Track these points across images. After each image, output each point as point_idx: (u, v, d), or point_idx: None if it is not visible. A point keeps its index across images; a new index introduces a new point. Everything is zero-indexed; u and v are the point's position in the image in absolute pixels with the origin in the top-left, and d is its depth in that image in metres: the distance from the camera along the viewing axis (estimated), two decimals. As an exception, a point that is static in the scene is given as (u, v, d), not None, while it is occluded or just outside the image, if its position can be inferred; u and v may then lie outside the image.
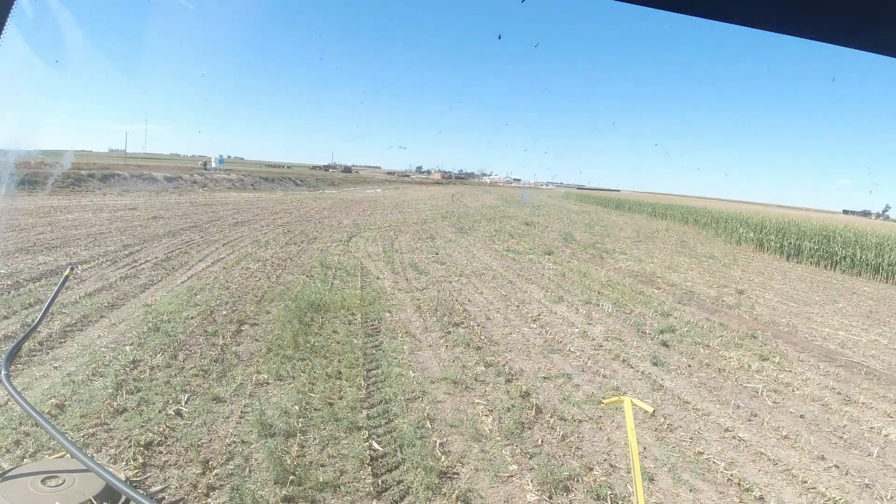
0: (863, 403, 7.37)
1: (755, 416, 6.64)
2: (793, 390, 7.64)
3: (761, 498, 4.90)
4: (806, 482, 5.22)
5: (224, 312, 8.64)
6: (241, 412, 5.46)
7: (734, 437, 6.01)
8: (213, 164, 58.39)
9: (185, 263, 12.26)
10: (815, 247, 25.45)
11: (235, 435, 5.03)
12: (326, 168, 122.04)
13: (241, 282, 10.82)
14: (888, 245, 23.43)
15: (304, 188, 53.77)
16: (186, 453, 4.64)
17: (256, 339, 7.58)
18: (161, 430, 4.94)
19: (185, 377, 6.15)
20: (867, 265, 22.72)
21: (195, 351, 6.96)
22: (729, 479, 5.15)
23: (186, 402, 5.57)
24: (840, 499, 4.95)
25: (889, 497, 5.05)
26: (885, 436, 6.39)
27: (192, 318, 8.15)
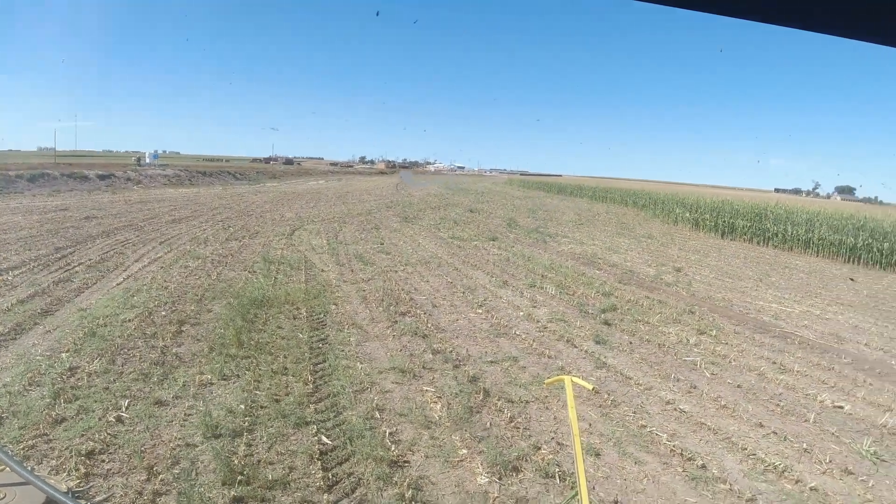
0: (797, 371, 7.78)
1: (695, 388, 6.93)
2: (730, 362, 7.99)
3: (704, 466, 5.16)
4: (746, 449, 5.52)
5: (163, 313, 8.48)
6: (185, 414, 5.48)
7: (676, 410, 6.28)
8: (148, 160, 56.44)
9: (121, 264, 11.94)
10: (748, 224, 26.72)
11: (180, 438, 5.05)
12: (267, 160, 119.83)
13: (181, 281, 10.62)
14: (817, 221, 24.78)
15: (243, 182, 52.77)
16: (130, 460, 4.64)
17: (198, 339, 7.52)
18: (103, 437, 4.93)
19: (124, 382, 6.09)
20: (798, 240, 24.04)
21: (134, 354, 6.88)
22: (672, 450, 5.40)
23: (128, 408, 5.55)
24: (780, 464, 5.25)
25: (827, 460, 5.40)
26: (820, 402, 6.78)
27: (129, 320, 8.00)
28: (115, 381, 6.08)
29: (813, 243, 23.40)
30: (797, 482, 4.98)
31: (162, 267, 11.88)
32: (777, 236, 25.16)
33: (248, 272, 11.87)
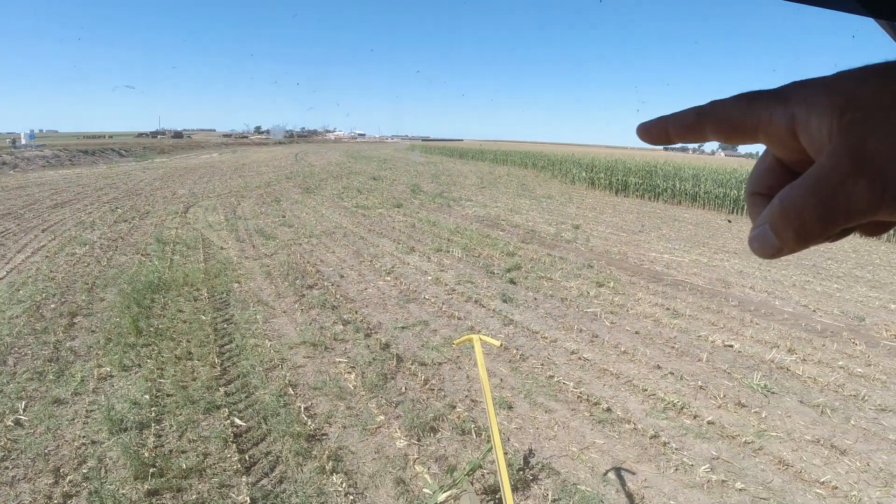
0: (690, 316, 8.30)
1: (596, 336, 7.28)
2: (627, 310, 8.43)
3: (609, 409, 5.47)
4: (646, 390, 5.88)
5: (53, 306, 7.99)
6: (87, 411, 5.31)
7: (580, 359, 6.59)
8: (24, 141, 51.87)
9: (2, 257, 11.09)
10: (640, 181, 28.05)
11: (84, 436, 4.90)
12: (154, 134, 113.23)
13: (68, 269, 9.99)
14: (703, 176, 26.20)
15: (130, 159, 49.69)
16: (35, 464, 4.50)
17: (93, 331, 7.17)
18: (3, 444, 4.74)
19: (18, 383, 5.80)
20: (686, 195, 25.72)
21: (26, 352, 6.51)
22: (579, 397, 5.69)
23: (25, 410, 5.32)
24: (678, 401, 5.63)
25: (722, 396, 5.84)
26: (711, 342, 7.29)
27: (16, 316, 7.50)
28: (8, 382, 5.77)
29: (699, 197, 25.09)
30: (695, 417, 5.38)
31: (47, 256, 11.13)
32: (666, 192, 26.75)
33: (141, 255, 11.35)
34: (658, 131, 0.38)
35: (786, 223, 0.30)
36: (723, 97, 0.35)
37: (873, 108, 0.28)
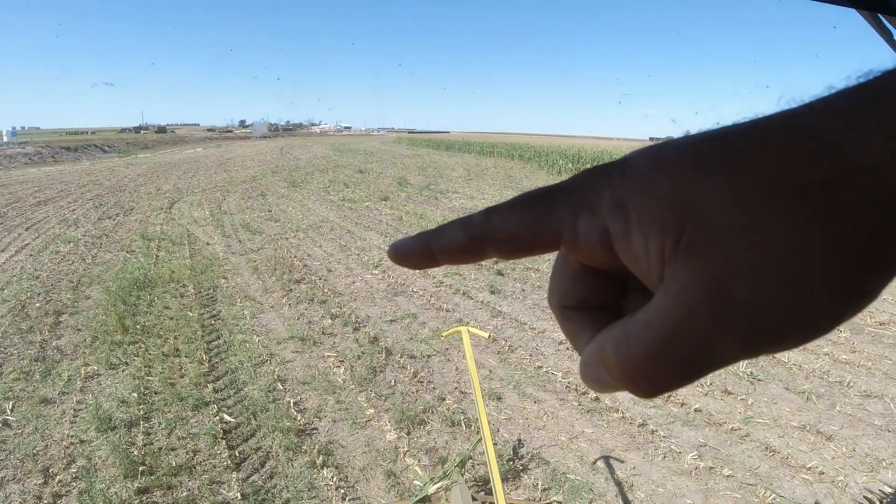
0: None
1: (584, 326, 7.24)
2: (615, 298, 8.40)
3: (597, 399, 5.57)
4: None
5: (38, 305, 7.93)
6: (75, 410, 5.29)
7: (567, 349, 6.64)
8: (6, 139, 51.25)
9: (-15, 256, 10.88)
10: (625, 171, 27.88)
11: (73, 436, 4.89)
12: (138, 130, 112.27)
13: (53, 268, 9.91)
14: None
15: (113, 154, 49.34)
16: (24, 465, 4.49)
17: (79, 329, 7.13)
18: None
19: (5, 383, 5.79)
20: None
21: (11, 352, 6.49)
22: (567, 387, 5.74)
23: (12, 410, 5.30)
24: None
25: (708, 383, 5.08)
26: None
27: (2, 316, 7.55)
28: (-7, 383, 5.74)
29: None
30: (682, 405, 5.43)
31: (31, 255, 11.05)
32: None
33: (126, 252, 11.29)
34: (419, 255, 0.29)
35: (631, 379, 0.24)
36: (504, 200, 0.27)
37: (727, 227, 0.21)
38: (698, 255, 0.21)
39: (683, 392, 5.66)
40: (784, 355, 6.55)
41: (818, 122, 0.20)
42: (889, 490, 4.15)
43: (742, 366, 6.21)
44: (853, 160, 0.19)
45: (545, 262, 10.62)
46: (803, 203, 0.20)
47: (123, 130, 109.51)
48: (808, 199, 0.20)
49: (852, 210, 0.19)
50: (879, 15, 0.79)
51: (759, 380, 5.99)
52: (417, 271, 9.80)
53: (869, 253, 0.19)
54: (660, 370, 0.23)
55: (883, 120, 0.19)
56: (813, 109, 0.21)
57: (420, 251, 0.29)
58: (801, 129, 0.21)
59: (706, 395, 5.65)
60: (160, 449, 4.61)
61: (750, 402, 5.52)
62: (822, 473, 4.43)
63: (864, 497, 4.05)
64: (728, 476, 4.39)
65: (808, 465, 4.51)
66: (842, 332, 7.38)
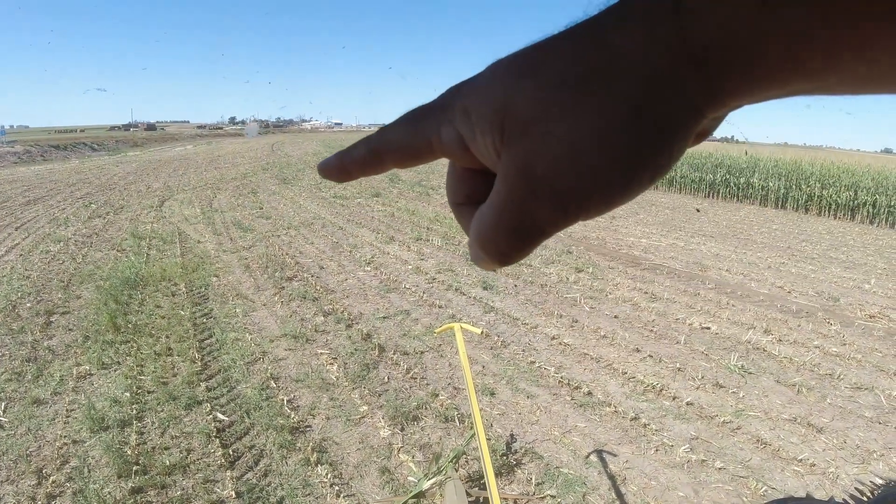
0: (667, 299, 8.39)
1: (576, 322, 7.34)
2: (606, 295, 8.50)
3: (590, 393, 5.52)
4: (626, 373, 5.96)
5: (28, 305, 7.88)
6: (68, 410, 5.27)
7: (560, 344, 6.64)
8: (-5, 137, 50.62)
9: (-26, 257, 10.81)
10: (616, 165, 27.72)
11: (66, 436, 4.88)
12: (127, 127, 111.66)
13: (43, 267, 9.86)
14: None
15: (102, 153, 48.94)
16: (17, 466, 4.47)
17: (70, 329, 7.09)
18: None
19: None
20: (662, 179, 25.37)
21: (2, 353, 6.49)
22: (560, 381, 5.74)
23: (5, 411, 5.27)
24: (657, 383, 5.70)
25: (700, 377, 5.93)
26: (689, 325, 7.37)
27: None
28: (-15, 384, 5.73)
29: (676, 181, 25.03)
30: (674, 398, 5.46)
31: (21, 254, 10.97)
32: (643, 176, 26.54)
33: (117, 251, 11.22)
34: (336, 170, 0.37)
35: (486, 249, 0.30)
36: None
37: (529, 119, 0.26)
38: (513, 143, 0.26)
39: (675, 386, 5.70)
40: (775, 348, 6.60)
41: (597, 22, 0.25)
42: (880, 481, 4.19)
43: (733, 358, 6.27)
44: (617, 49, 0.24)
45: (536, 258, 10.64)
46: (581, 89, 0.24)
47: (113, 128, 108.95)
48: (586, 85, 0.24)
49: (619, 89, 0.24)
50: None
51: (750, 373, 6.04)
52: (409, 267, 9.82)
53: (639, 124, 0.24)
54: (500, 237, 0.28)
55: (647, 15, 0.23)
56: (600, 14, 0.25)
57: (337, 166, 0.37)
58: (582, 30, 0.25)
59: (698, 388, 5.69)
60: (154, 448, 4.60)
61: (741, 395, 5.56)
62: (814, 465, 4.48)
63: (856, 488, 4.09)
64: (720, 468, 4.43)
65: (800, 458, 4.55)
66: (832, 325, 7.44)
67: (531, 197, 0.26)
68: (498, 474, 4.33)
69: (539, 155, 0.25)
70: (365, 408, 5.26)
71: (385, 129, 0.33)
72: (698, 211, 18.22)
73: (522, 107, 0.26)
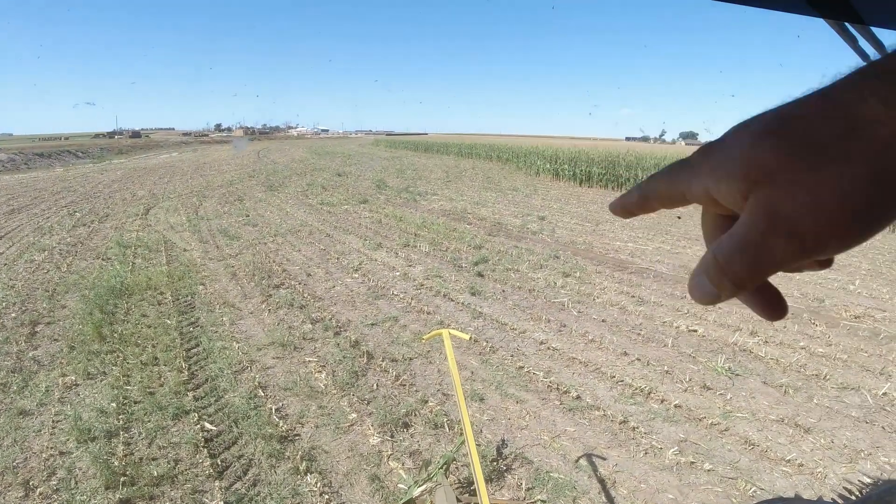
0: (654, 302, 8.44)
1: (564, 326, 7.36)
2: (594, 299, 8.54)
3: (578, 397, 5.55)
4: (614, 377, 5.98)
5: (13, 315, 7.80)
6: (54, 421, 5.23)
7: (549, 348, 6.67)
8: (-23, 145, 49.99)
9: (-44, 267, 10.67)
10: (603, 172, 28.08)
11: (52, 447, 4.83)
12: (111, 135, 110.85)
13: (27, 277, 9.77)
14: (664, 165, 26.49)
15: (87, 160, 48.67)
16: (3, 478, 4.43)
17: (55, 339, 7.02)
18: None
19: None
20: (648, 184, 25.56)
21: None
22: (549, 386, 5.76)
23: None
24: (645, 387, 5.73)
25: (688, 379, 5.96)
26: (676, 328, 7.41)
27: None
28: (-31, 396, 5.65)
29: (661, 186, 25.04)
30: (662, 401, 5.49)
31: (5, 264, 10.88)
32: (629, 181, 26.70)
33: (102, 260, 11.15)
34: (620, 209, 0.45)
35: (720, 275, 0.33)
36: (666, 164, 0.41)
37: (775, 169, 0.30)
38: (761, 188, 0.31)
39: (663, 389, 5.73)
40: (761, 349, 6.66)
41: (836, 91, 0.30)
42: (868, 480, 4.24)
43: (720, 361, 6.30)
44: (860, 117, 0.28)
45: (524, 263, 10.67)
46: (824, 152, 0.29)
47: (97, 136, 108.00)
48: (828, 148, 0.29)
49: (857, 152, 0.28)
50: (846, 23, 0.82)
51: (738, 375, 6.08)
52: (397, 274, 9.82)
53: (878, 187, 0.27)
54: (740, 264, 0.32)
55: (879, 88, 0.27)
56: (835, 84, 0.30)
57: (620, 206, 0.45)
58: (824, 98, 0.30)
59: (685, 390, 5.72)
60: (141, 459, 4.57)
61: (729, 397, 5.59)
62: (802, 465, 4.51)
63: (844, 488, 4.13)
64: (709, 470, 4.46)
65: (788, 458, 4.58)
66: (818, 326, 7.51)
67: (773, 233, 0.30)
68: (488, 480, 4.33)
69: (784, 199, 0.29)
70: (354, 415, 5.24)
71: (651, 179, 0.41)
72: (679, 218, 18.32)
73: (770, 160, 0.30)
